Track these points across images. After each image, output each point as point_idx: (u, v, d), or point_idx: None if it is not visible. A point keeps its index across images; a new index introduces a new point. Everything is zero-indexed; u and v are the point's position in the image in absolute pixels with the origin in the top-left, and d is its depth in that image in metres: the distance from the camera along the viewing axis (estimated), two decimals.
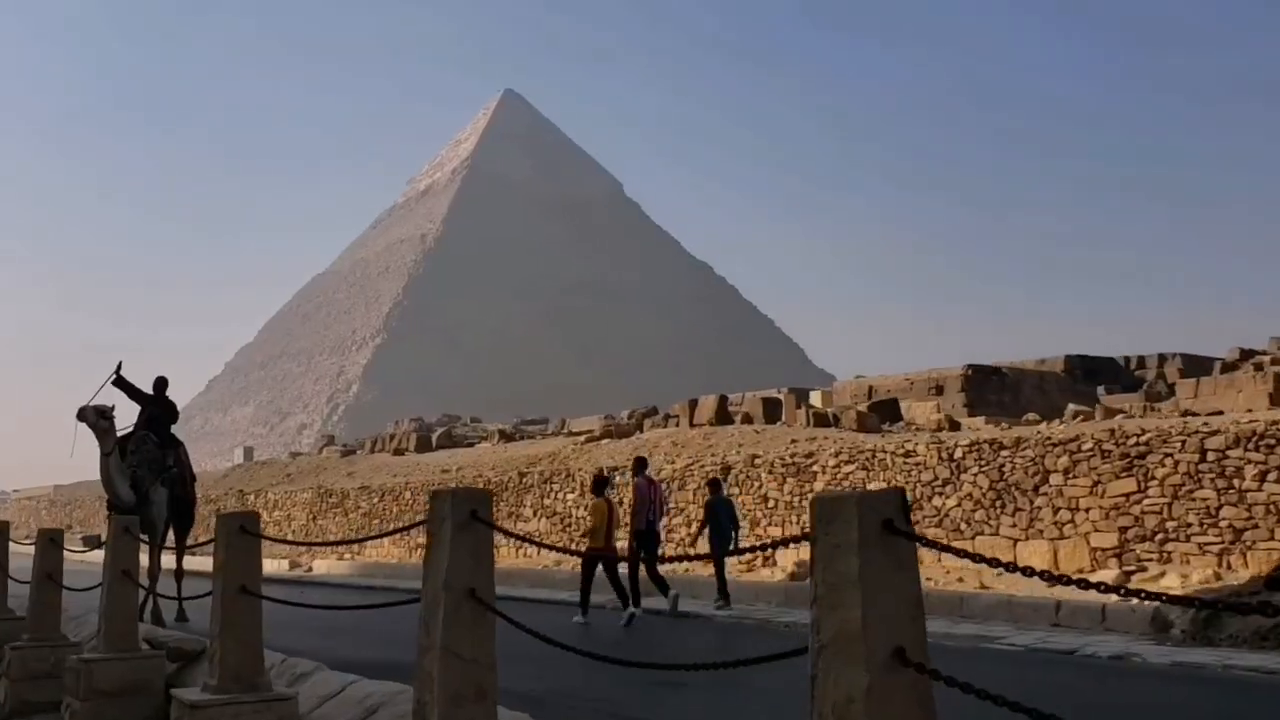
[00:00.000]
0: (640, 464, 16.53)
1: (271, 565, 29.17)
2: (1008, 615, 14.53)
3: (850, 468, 20.66)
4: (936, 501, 19.10)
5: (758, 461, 22.66)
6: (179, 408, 15.38)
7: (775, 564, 21.30)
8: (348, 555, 32.36)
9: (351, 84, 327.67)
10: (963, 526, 18.66)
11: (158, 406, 14.46)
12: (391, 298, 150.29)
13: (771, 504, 22.06)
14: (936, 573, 18.23)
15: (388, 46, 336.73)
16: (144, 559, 16.84)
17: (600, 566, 14.50)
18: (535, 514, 28.15)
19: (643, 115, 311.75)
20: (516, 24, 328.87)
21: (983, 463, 18.60)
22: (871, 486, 20.15)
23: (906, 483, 19.57)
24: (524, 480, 28.98)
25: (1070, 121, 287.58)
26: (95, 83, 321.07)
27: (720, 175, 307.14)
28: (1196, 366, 54.88)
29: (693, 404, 35.19)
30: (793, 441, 26.53)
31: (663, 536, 17.28)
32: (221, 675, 6.28)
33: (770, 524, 21.95)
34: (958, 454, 18.98)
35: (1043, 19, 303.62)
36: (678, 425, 34.94)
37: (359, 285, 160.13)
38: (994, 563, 2.87)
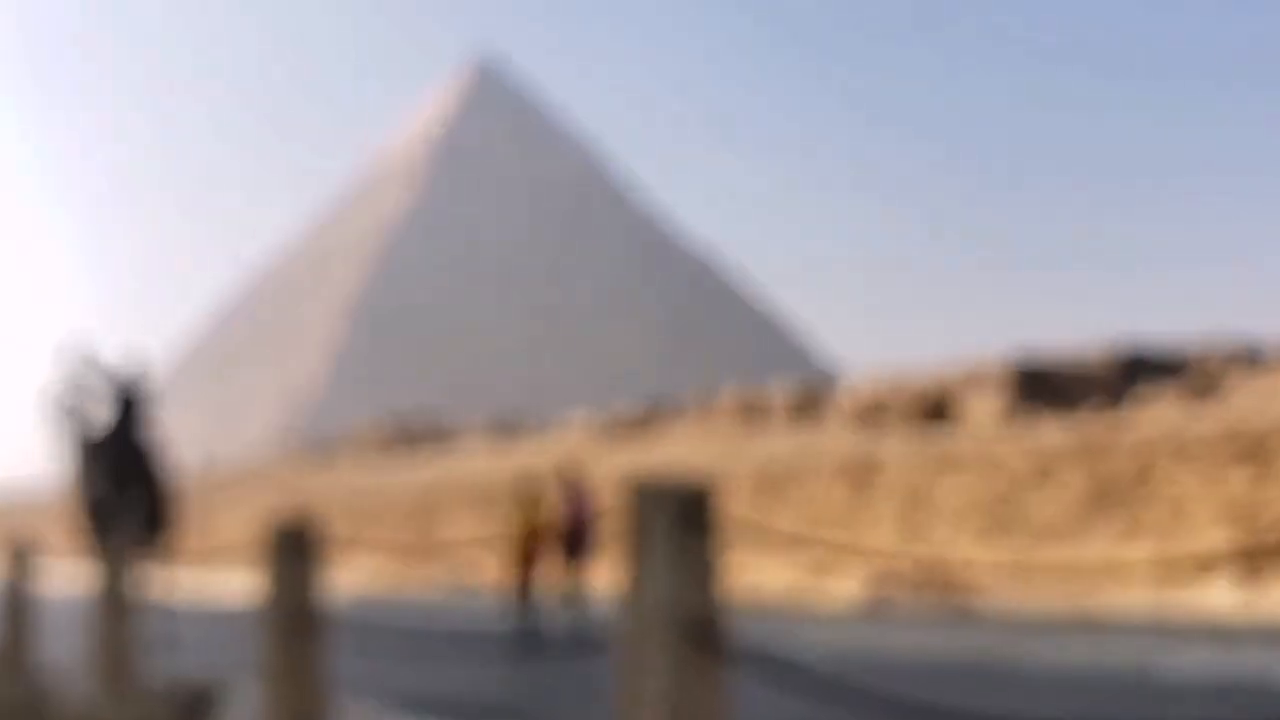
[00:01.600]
0: (568, 471, 17.18)
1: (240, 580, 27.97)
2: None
3: (922, 465, 19.58)
4: (1024, 503, 18.06)
5: (805, 457, 21.58)
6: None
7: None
8: None
9: (313, 52, 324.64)
10: (1054, 529, 17.61)
11: (133, 403, 13.31)
12: (352, 286, 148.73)
13: (821, 505, 20.98)
14: (1021, 580, 17.19)
15: (355, 16, 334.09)
16: None
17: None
18: None
19: (630, 90, 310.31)
20: None
21: (1078, 461, 17.56)
22: (945, 486, 19.13)
23: (988, 483, 18.52)
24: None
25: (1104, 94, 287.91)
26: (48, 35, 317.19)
27: (717, 153, 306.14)
28: (1249, 358, 54.49)
29: (710, 396, 34.09)
30: (834, 439, 25.47)
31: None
32: None
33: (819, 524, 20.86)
34: (1048, 451, 17.93)
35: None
36: (694, 420, 33.84)
37: (316, 273, 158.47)
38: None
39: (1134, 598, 14.73)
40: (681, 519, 3.33)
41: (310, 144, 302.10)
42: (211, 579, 27.62)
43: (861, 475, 20.47)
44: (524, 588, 15.26)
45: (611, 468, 26.59)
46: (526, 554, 14.60)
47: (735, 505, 22.47)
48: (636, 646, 3.26)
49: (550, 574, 15.64)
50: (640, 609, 3.29)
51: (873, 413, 30.92)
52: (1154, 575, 15.61)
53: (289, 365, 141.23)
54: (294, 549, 5.17)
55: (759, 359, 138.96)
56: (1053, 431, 19.65)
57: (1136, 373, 57.12)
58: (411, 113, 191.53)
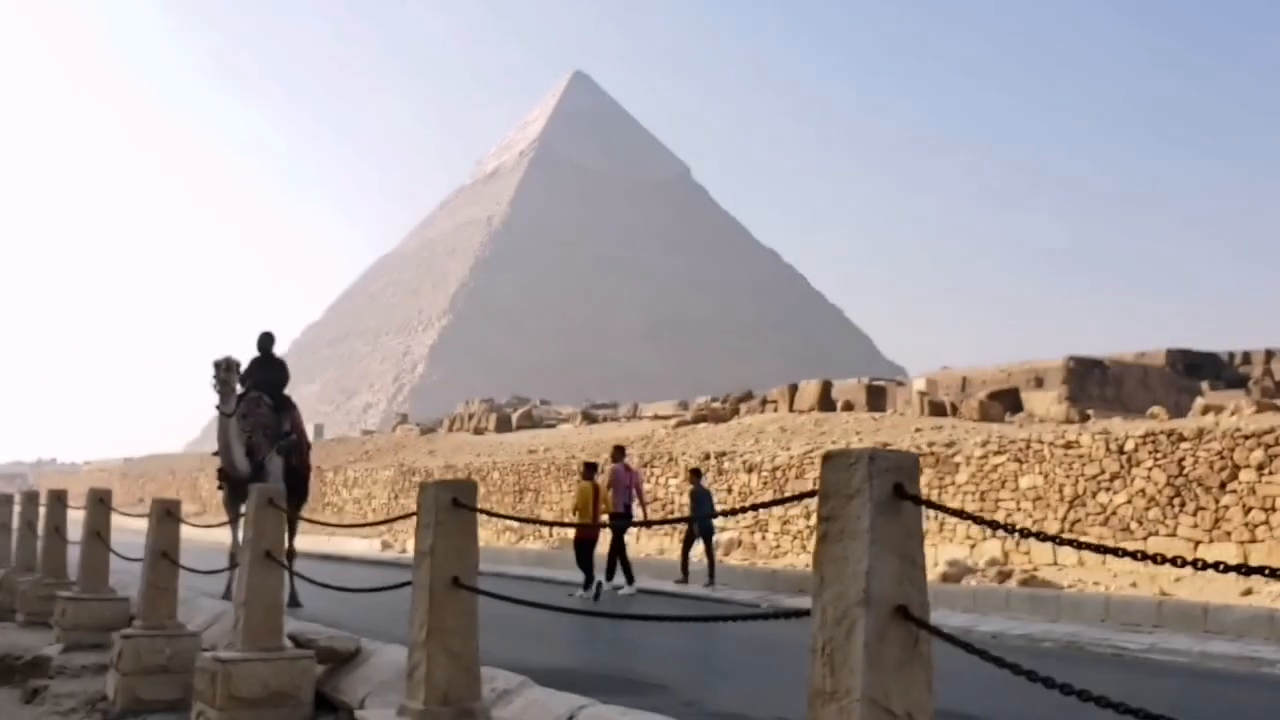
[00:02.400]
0: (619, 451, 18.11)
1: (361, 545, 28.05)
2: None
3: (1000, 459, 18.87)
4: (1102, 498, 17.28)
5: (889, 450, 20.94)
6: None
7: None
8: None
9: (421, 66, 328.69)
10: (1133, 526, 16.82)
11: (267, 366, 13.00)
12: (458, 279, 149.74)
13: None
14: (1102, 575, 16.46)
15: (456, 27, 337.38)
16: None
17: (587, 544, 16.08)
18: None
19: (711, 99, 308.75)
20: (586, 5, 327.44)
21: (1159, 456, 16.74)
22: (1025, 480, 18.42)
23: (1068, 476, 17.77)
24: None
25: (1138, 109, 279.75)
26: (186, 50, 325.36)
27: (789, 162, 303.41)
28: None
29: (793, 389, 33.48)
30: (917, 430, 24.77)
31: (644, 515, 17.95)
32: (428, 695, 4.81)
33: None
34: (1129, 446, 17.13)
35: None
36: (776, 410, 33.25)
37: (426, 266, 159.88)
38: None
39: (1220, 596, 13.96)
40: (892, 489, 2.97)
41: (430, 151, 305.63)
42: (338, 545, 27.70)
43: (942, 463, 19.81)
44: (585, 554, 16.08)
45: (695, 446, 26.25)
46: (586, 524, 14.98)
47: None
48: (838, 622, 2.89)
49: (605, 542, 16.80)
50: (842, 584, 2.93)
51: (944, 406, 30.09)
52: (1238, 576, 14.69)
53: (398, 349, 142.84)
54: (454, 510, 4.89)
55: (832, 355, 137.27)
56: (1133, 425, 18.82)
57: (1192, 374, 55.14)
58: (515, 122, 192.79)
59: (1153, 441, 16.81)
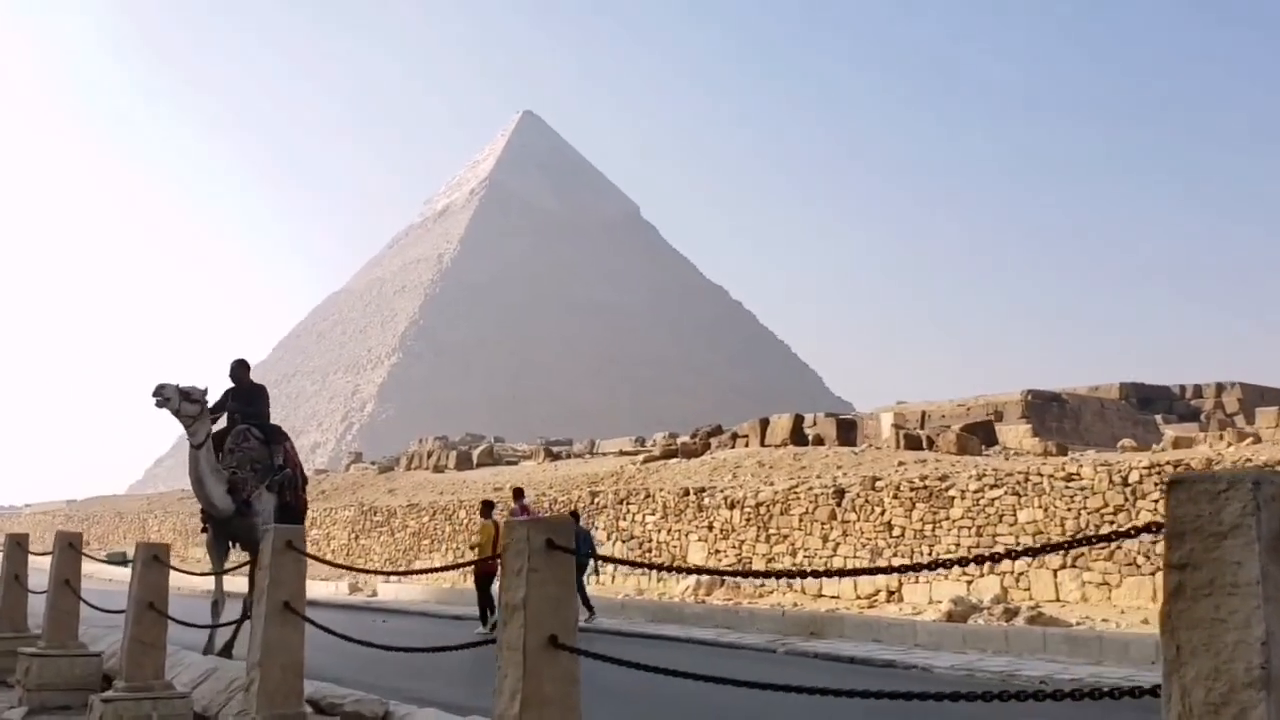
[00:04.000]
0: (518, 493, 19.28)
1: (325, 589, 26.74)
2: None
3: (997, 492, 18.24)
4: (1106, 531, 16.69)
5: (879, 485, 20.25)
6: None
7: (901, 599, 18.90)
8: (394, 579, 29.81)
9: (370, 103, 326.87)
10: (1139, 560, 16.25)
11: (248, 395, 11.82)
12: (408, 317, 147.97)
13: (898, 532, 19.63)
14: (1109, 612, 15.83)
15: (407, 66, 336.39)
16: (238, 583, 14.24)
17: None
18: (610, 537, 25.75)
19: (661, 138, 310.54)
20: (535, 46, 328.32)
21: (1165, 487, 16.20)
22: (1023, 514, 17.80)
23: (1069, 510, 17.18)
24: (596, 501, 26.57)
25: (1100, 135, 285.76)
26: (128, 78, 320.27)
27: (737, 199, 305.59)
28: (1257, 396, 52.53)
29: (764, 423, 32.78)
30: (899, 464, 24.15)
31: None
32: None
33: (895, 554, 19.50)
34: (1133, 477, 16.59)
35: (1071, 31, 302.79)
36: (747, 445, 32.53)
37: (375, 304, 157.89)
38: None
39: None
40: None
41: (379, 189, 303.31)
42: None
43: (935, 496, 19.14)
44: (485, 588, 16.62)
45: (669, 481, 25.41)
46: (484, 563, 15.45)
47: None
48: (1216, 711, 2.08)
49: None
50: (1218, 656, 2.13)
51: (919, 440, 29.56)
52: None
53: (346, 388, 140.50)
54: (549, 554, 4.03)
55: (781, 391, 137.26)
56: (1133, 457, 18.32)
57: (1145, 407, 55.26)
58: (465, 160, 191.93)
59: (1158, 472, 16.28)
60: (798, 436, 31.23)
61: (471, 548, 17.93)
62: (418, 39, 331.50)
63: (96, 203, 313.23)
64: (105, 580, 24.76)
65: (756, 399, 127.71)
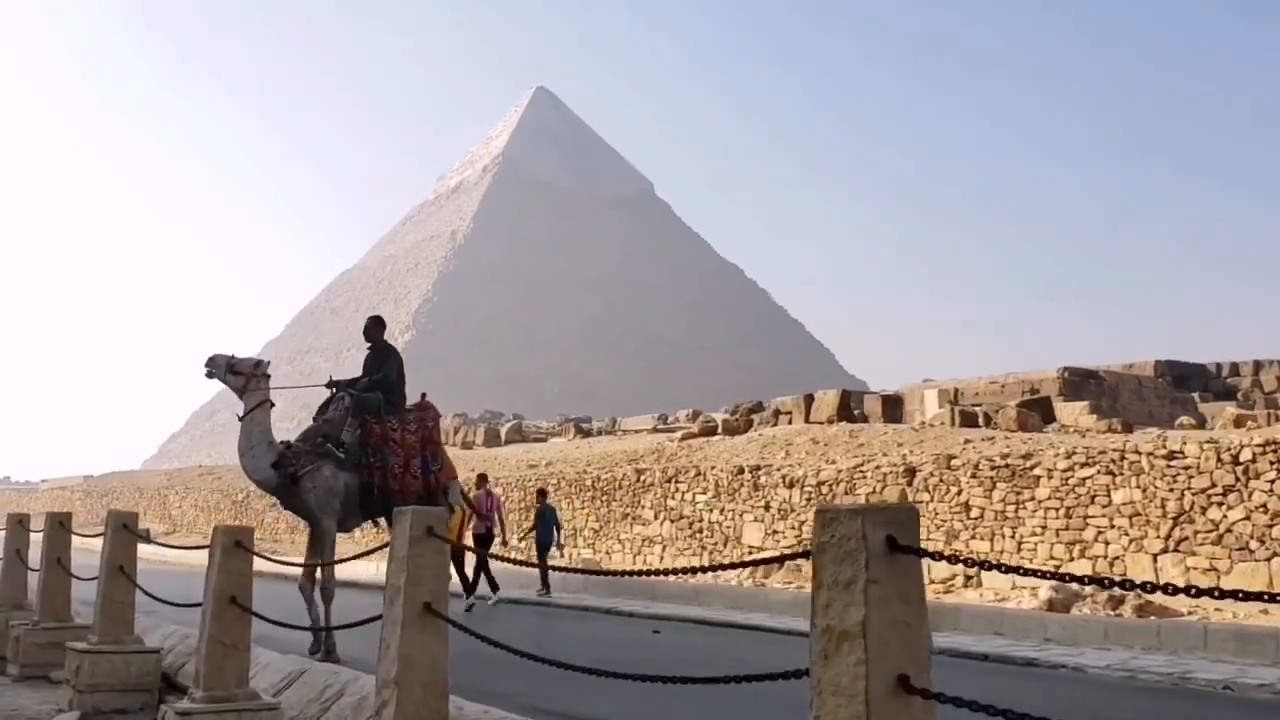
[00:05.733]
0: (483, 479, 19.55)
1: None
2: None
3: (1088, 471, 16.99)
4: (1214, 514, 15.47)
5: (955, 464, 19.01)
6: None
7: (980, 584, 17.70)
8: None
9: (383, 80, 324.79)
10: (1253, 545, 15.02)
11: (371, 358, 11.14)
12: (421, 294, 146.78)
13: (976, 513, 18.41)
14: (1207, 601, 14.57)
15: (420, 43, 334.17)
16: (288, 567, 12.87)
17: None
18: (657, 516, 24.59)
19: (675, 115, 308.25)
20: (550, 22, 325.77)
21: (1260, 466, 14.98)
22: (1118, 495, 16.55)
23: (1171, 490, 15.95)
24: (642, 479, 25.38)
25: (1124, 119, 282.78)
26: (149, 63, 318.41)
27: (751, 178, 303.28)
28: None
29: (808, 399, 31.57)
30: (966, 442, 22.91)
31: (507, 539, 20.87)
32: None
33: (974, 537, 18.29)
34: (1244, 455, 15.33)
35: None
36: (791, 422, 31.31)
37: (388, 281, 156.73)
38: None
39: None
40: None
41: (393, 166, 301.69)
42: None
43: (1018, 476, 17.91)
44: (459, 570, 16.37)
45: (719, 459, 24.21)
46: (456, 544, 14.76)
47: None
48: None
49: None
50: None
51: (975, 417, 28.33)
52: None
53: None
54: (890, 558, 2.79)
55: (795, 369, 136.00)
56: (1243, 434, 17.06)
57: (1180, 385, 53.92)
58: (478, 137, 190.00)
59: (1275, 450, 15.03)
60: (845, 413, 30.01)
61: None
62: (432, 15, 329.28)
63: (113, 183, 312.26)
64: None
65: (770, 377, 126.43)
